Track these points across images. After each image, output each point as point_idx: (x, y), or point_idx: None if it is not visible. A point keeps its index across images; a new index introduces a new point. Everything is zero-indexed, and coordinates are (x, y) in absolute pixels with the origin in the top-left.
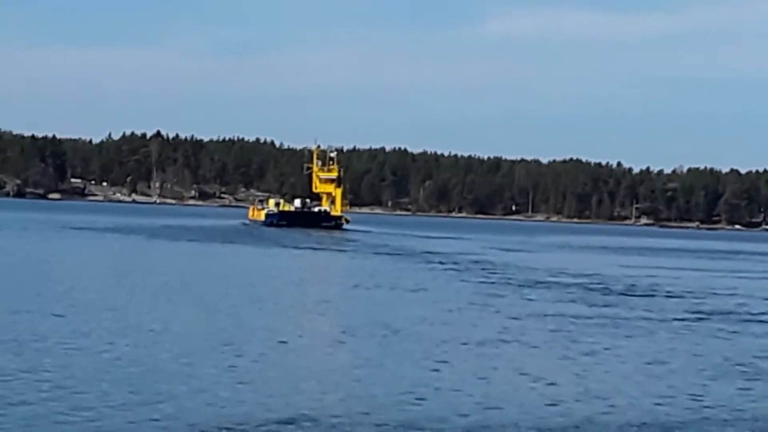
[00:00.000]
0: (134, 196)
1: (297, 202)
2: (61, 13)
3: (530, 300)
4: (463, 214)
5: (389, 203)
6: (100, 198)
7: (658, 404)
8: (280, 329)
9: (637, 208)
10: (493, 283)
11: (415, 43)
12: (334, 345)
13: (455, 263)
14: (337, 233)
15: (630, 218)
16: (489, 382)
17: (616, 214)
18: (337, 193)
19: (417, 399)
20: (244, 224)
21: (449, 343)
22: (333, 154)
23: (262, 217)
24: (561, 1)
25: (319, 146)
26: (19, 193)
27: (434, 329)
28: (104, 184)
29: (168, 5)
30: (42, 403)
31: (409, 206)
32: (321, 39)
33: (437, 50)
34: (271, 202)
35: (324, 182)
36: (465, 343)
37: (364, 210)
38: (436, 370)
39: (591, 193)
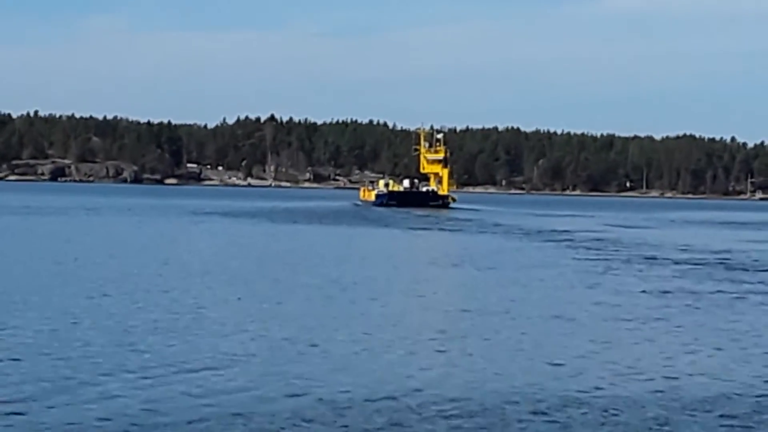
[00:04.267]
0: (250, 180)
1: (406, 183)
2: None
3: (666, 277)
4: (577, 192)
5: (503, 182)
6: (216, 182)
7: None
8: (397, 311)
9: (752, 183)
10: (624, 260)
11: (529, 20)
12: (451, 327)
13: (572, 240)
14: (444, 212)
15: (745, 193)
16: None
17: (731, 189)
18: (444, 173)
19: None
20: (356, 205)
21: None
22: (440, 136)
23: (373, 198)
24: None
25: (431, 126)
26: (137, 179)
27: (554, 308)
28: (220, 168)
29: None
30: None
31: (523, 185)
32: (434, 19)
33: (551, 27)
34: (381, 182)
35: (431, 163)
36: (611, 321)
37: (478, 189)
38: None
39: (705, 168)
